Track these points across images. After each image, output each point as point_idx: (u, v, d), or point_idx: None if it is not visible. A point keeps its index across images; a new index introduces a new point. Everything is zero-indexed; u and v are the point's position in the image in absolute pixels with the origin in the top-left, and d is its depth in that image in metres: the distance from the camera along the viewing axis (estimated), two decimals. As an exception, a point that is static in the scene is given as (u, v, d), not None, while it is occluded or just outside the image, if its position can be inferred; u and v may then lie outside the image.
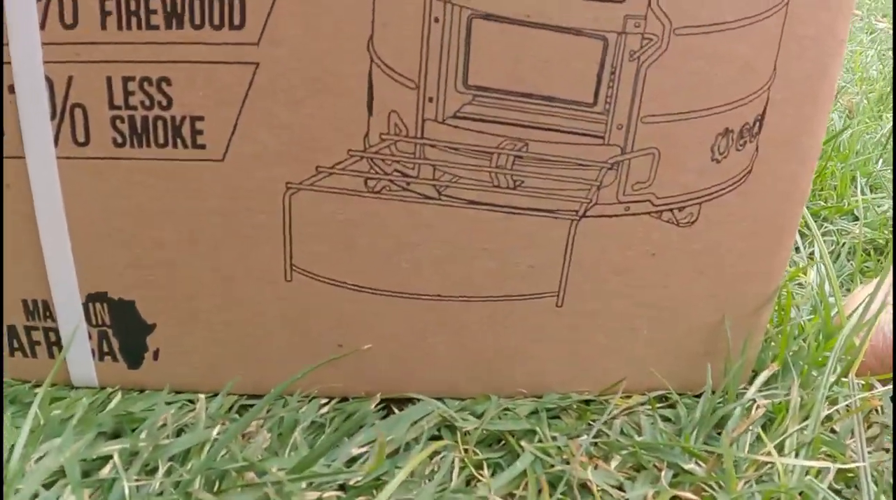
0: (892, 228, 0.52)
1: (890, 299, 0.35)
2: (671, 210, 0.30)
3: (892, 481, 0.29)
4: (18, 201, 0.29)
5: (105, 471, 0.27)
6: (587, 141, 0.28)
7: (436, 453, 0.29)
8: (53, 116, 0.28)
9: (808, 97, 0.29)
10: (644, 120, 0.28)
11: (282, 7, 0.25)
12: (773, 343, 0.36)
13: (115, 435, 0.29)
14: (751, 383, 0.33)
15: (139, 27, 0.26)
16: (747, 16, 0.28)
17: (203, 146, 0.28)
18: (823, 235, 0.51)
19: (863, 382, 0.32)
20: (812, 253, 0.49)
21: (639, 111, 0.28)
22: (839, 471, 0.29)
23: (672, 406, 0.33)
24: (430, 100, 0.27)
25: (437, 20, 0.26)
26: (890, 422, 0.32)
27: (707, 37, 0.28)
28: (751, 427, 0.30)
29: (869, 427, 0.32)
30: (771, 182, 0.30)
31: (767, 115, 0.29)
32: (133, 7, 0.26)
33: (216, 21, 0.26)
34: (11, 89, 0.27)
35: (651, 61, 0.28)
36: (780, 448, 0.29)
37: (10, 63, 0.27)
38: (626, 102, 0.28)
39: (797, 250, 0.49)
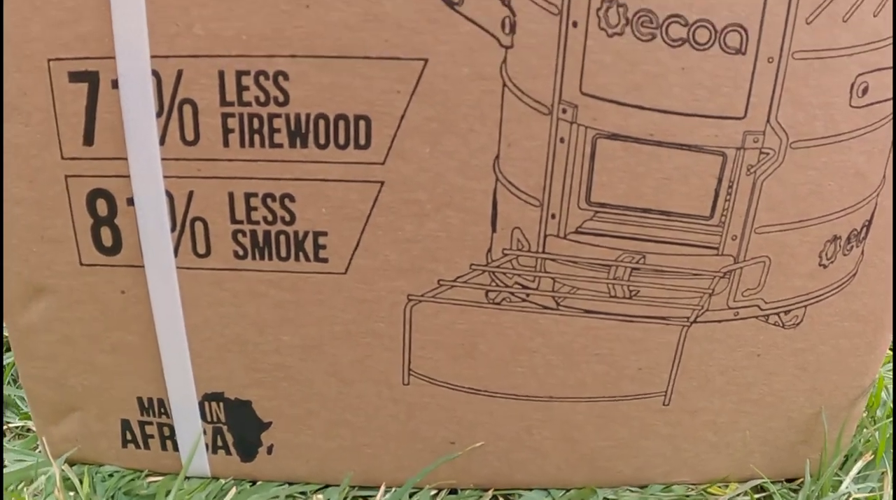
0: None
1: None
2: (778, 313, 0.31)
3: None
4: (136, 304, 0.29)
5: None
6: (702, 252, 0.29)
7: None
8: (174, 229, 0.28)
9: None
10: (757, 230, 0.29)
11: (408, 127, 0.25)
12: (864, 428, 0.36)
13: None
14: (842, 467, 0.34)
15: (262, 145, 0.26)
16: (860, 127, 0.28)
17: (325, 260, 0.28)
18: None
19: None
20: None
21: (753, 222, 0.28)
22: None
23: (770, 498, 0.33)
24: (553, 217, 0.27)
25: (562, 140, 0.27)
26: None
27: (822, 148, 0.28)
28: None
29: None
30: (874, 283, 0.30)
31: (875, 220, 0.30)
32: (256, 125, 0.27)
33: (341, 141, 0.26)
34: (131, 201, 0.28)
35: (767, 174, 0.28)
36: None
37: (129, 177, 0.28)
38: (742, 213, 0.28)
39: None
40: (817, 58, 0.27)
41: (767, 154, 0.27)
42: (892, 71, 0.27)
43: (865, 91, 0.28)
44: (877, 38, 0.27)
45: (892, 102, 0.27)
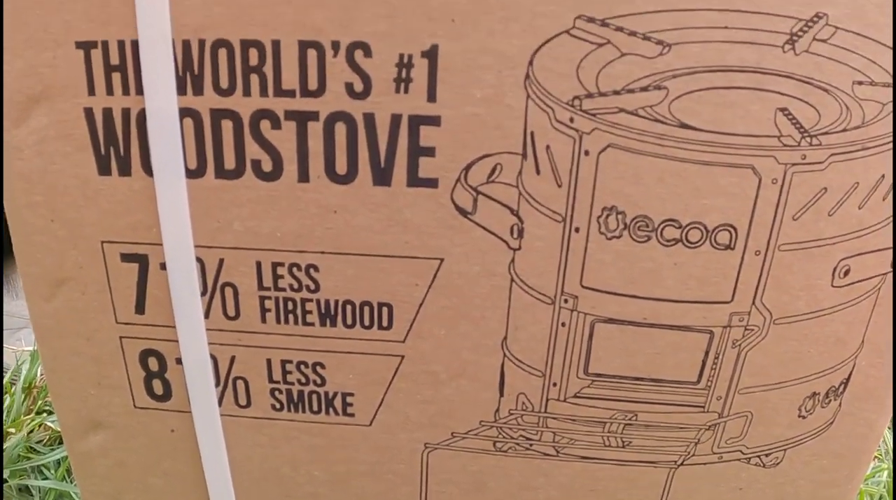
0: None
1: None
2: (759, 456, 0.33)
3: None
4: (185, 441, 0.32)
5: None
6: (689, 410, 0.31)
7: None
8: (218, 384, 0.31)
9: (891, 361, 0.30)
10: (741, 391, 0.31)
11: (426, 313, 0.28)
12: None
13: None
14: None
15: (296, 323, 0.29)
16: (842, 302, 0.30)
17: (352, 415, 0.30)
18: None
19: None
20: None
21: (737, 385, 0.31)
22: None
23: None
24: (554, 385, 0.30)
25: (563, 325, 0.29)
26: None
27: (804, 322, 0.30)
28: None
29: None
30: (851, 427, 0.33)
31: (853, 377, 0.32)
32: (290, 307, 0.29)
33: (366, 323, 0.29)
34: (179, 361, 0.31)
35: (752, 346, 0.30)
36: None
37: (177, 341, 0.31)
38: (727, 378, 0.31)
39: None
40: (802, 248, 0.29)
41: (752, 330, 0.30)
42: (874, 253, 0.29)
43: (847, 273, 0.30)
44: (860, 228, 0.29)
45: (871, 279, 0.30)
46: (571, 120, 0.25)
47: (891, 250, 0.29)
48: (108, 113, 0.26)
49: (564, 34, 0.25)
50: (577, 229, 0.27)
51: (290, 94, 0.25)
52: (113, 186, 0.27)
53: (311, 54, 0.25)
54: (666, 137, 0.26)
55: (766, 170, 0.27)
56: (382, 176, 0.26)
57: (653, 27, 0.25)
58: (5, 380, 0.46)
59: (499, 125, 0.26)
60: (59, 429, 0.40)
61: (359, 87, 0.25)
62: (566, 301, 0.28)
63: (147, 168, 0.27)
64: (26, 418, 0.43)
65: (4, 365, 0.48)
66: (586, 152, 0.26)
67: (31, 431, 0.43)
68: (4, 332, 0.51)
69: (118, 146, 0.27)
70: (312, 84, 0.25)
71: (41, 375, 0.46)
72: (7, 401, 0.45)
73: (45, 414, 0.45)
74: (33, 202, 0.28)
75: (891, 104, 0.27)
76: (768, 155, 0.26)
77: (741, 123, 0.26)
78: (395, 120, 0.26)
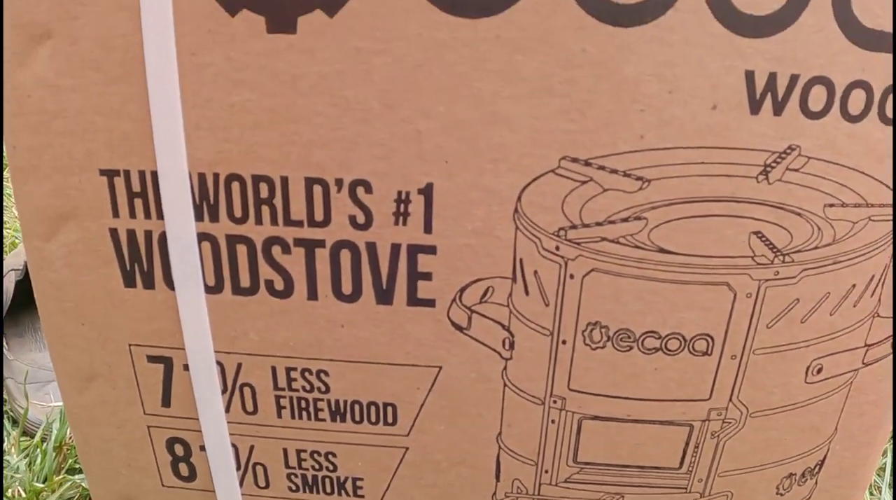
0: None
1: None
2: None
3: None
4: None
5: None
6: (672, 491, 0.33)
7: None
8: (238, 468, 0.33)
9: (865, 444, 0.32)
10: (721, 475, 0.33)
11: (427, 412, 0.30)
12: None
13: None
14: None
15: (309, 419, 0.32)
16: (815, 396, 0.32)
17: (362, 496, 0.33)
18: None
19: None
20: None
21: (717, 469, 0.33)
22: None
23: None
24: (546, 472, 0.32)
25: (553, 422, 0.31)
26: None
27: (779, 414, 0.32)
28: None
29: None
30: None
31: (827, 459, 0.34)
32: (303, 405, 0.32)
33: (373, 420, 0.31)
34: (203, 448, 0.34)
35: (730, 436, 0.32)
36: None
37: (200, 431, 0.34)
38: (707, 464, 0.33)
39: None
40: (776, 352, 0.30)
41: (730, 423, 0.32)
42: (846, 352, 0.31)
43: (820, 371, 0.31)
44: (832, 331, 0.30)
45: (844, 374, 0.32)
46: (557, 248, 0.27)
47: (863, 348, 0.31)
48: (131, 234, 0.29)
49: (550, 173, 0.26)
50: (563, 342, 0.29)
51: (299, 224, 0.28)
52: (138, 297, 0.30)
53: (317, 189, 0.27)
54: (645, 261, 0.28)
55: (740, 286, 0.28)
56: (385, 296, 0.28)
57: (633, 165, 0.27)
58: (36, 438, 0.49)
59: (490, 254, 0.28)
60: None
61: (361, 219, 0.27)
62: (555, 402, 0.30)
63: (169, 283, 0.29)
64: (58, 479, 0.46)
65: (35, 420, 0.51)
66: (571, 276, 0.28)
67: (64, 491, 0.46)
68: (32, 385, 0.54)
69: (142, 263, 0.29)
70: (319, 215, 0.27)
71: (70, 434, 0.49)
72: (38, 459, 0.48)
73: (77, 475, 0.49)
74: (64, 308, 0.31)
75: (863, 221, 0.29)
76: (743, 273, 0.28)
77: (716, 247, 0.28)
78: (395, 249, 0.28)
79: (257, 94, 0.26)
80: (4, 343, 0.55)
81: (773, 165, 0.27)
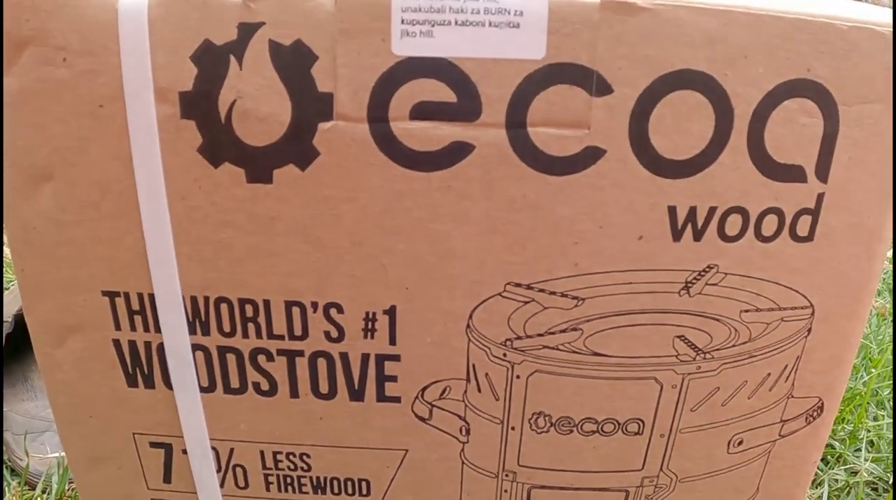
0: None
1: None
2: None
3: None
4: None
5: None
6: None
7: None
8: None
9: None
10: None
11: (397, 486, 0.34)
12: None
13: None
14: None
15: (294, 492, 0.35)
16: (736, 464, 0.36)
17: None
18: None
19: None
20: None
21: None
22: None
23: None
24: None
25: (506, 491, 0.35)
26: None
27: (705, 480, 0.36)
28: None
29: None
30: None
31: None
32: (289, 481, 0.35)
33: (350, 492, 0.35)
34: (205, 510, 0.38)
35: (662, 499, 0.37)
36: None
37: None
38: None
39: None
40: (700, 430, 0.35)
41: (661, 488, 0.36)
42: (763, 427, 0.35)
43: (741, 443, 0.36)
44: (750, 412, 0.35)
45: (763, 445, 0.36)
46: (504, 355, 0.31)
47: (779, 423, 0.36)
48: (132, 344, 0.32)
49: (497, 296, 0.30)
50: (512, 428, 0.33)
51: (280, 337, 0.31)
52: (140, 395, 0.33)
53: (295, 310, 0.31)
54: (582, 364, 0.32)
55: (666, 379, 0.32)
56: (357, 394, 0.32)
57: (569, 287, 0.30)
58: (37, 490, 0.51)
59: (446, 360, 0.31)
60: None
61: (334, 334, 0.31)
62: (507, 476, 0.34)
63: (168, 384, 0.33)
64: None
65: (34, 472, 0.53)
66: (517, 376, 0.32)
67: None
68: (27, 435, 0.55)
69: (142, 367, 0.33)
70: (297, 331, 0.31)
71: (70, 485, 0.51)
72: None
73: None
74: (73, 403, 0.34)
75: (777, 322, 0.33)
76: (668, 369, 0.32)
77: (645, 349, 0.32)
78: (365, 357, 0.31)
79: (240, 232, 0.29)
80: None
81: (694, 281, 0.31)
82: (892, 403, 0.61)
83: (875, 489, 0.55)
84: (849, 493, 0.54)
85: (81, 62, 0.27)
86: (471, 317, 0.30)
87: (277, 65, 0.27)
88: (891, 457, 0.56)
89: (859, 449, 0.57)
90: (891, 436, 0.59)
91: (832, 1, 0.30)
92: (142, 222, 0.30)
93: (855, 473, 0.55)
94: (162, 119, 0.28)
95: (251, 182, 0.29)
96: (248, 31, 0.27)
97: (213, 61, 0.27)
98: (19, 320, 0.56)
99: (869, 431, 0.59)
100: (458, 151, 0.28)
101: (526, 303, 0.30)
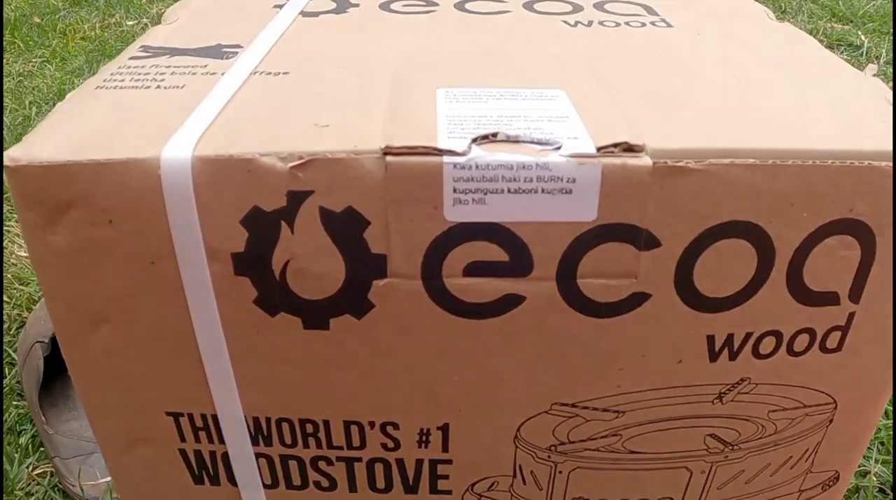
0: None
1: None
2: None
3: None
4: None
5: None
6: None
7: None
8: None
9: None
10: None
11: None
12: None
13: None
14: None
15: None
16: None
17: None
18: None
19: None
20: None
21: None
22: None
23: None
24: None
25: None
26: None
27: None
28: None
29: None
30: None
31: None
32: None
33: None
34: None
35: None
36: None
37: None
38: None
39: None
40: None
41: None
42: (782, 497, 0.37)
43: None
44: (772, 486, 0.36)
45: None
46: (549, 457, 0.33)
47: (797, 493, 0.38)
48: (198, 453, 0.34)
49: (543, 413, 0.32)
50: (555, 510, 0.36)
51: (340, 447, 0.33)
52: (206, 491, 0.35)
53: (354, 428, 0.32)
54: (619, 461, 0.33)
55: (696, 467, 0.34)
56: (411, 489, 0.34)
57: (610, 404, 0.31)
58: None
59: (495, 462, 0.33)
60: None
61: (391, 445, 0.33)
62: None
63: (232, 481, 0.35)
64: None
65: (90, 498, 0.54)
66: (560, 472, 0.34)
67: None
68: (75, 458, 0.55)
69: (208, 470, 0.34)
70: (356, 443, 0.33)
71: None
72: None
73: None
74: (141, 494, 0.36)
75: (801, 416, 0.34)
76: (698, 459, 0.34)
77: (678, 445, 0.33)
78: (419, 462, 0.33)
79: (297, 367, 0.30)
80: (42, 418, 0.57)
81: (727, 392, 0.32)
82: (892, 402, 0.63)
83: (882, 492, 0.58)
84: (857, 494, 0.57)
85: (128, 224, 0.27)
86: (518, 429, 0.32)
87: (329, 230, 0.27)
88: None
89: (871, 449, 0.59)
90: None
91: (875, 107, 0.29)
92: (201, 358, 0.31)
93: (865, 475, 0.58)
94: (216, 275, 0.28)
95: (308, 329, 0.29)
96: (297, 198, 0.27)
97: (263, 226, 0.27)
98: (55, 340, 0.57)
99: (879, 430, 0.61)
100: (510, 302, 0.28)
101: (570, 417, 0.32)
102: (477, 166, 0.26)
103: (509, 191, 0.26)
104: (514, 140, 0.27)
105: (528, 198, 0.26)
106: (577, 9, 0.42)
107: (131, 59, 0.35)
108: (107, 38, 1.52)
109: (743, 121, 0.28)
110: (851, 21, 1.47)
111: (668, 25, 0.39)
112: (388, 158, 0.26)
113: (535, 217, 0.27)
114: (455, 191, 0.26)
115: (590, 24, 0.40)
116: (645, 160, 0.26)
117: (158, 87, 0.32)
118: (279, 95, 0.31)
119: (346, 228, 0.27)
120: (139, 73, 0.33)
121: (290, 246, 0.27)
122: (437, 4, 0.43)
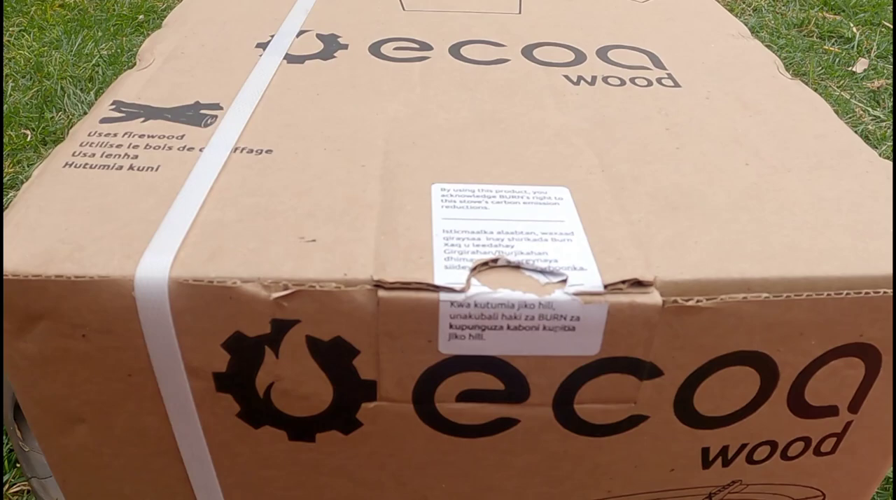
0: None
1: None
2: None
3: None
4: None
5: None
6: None
7: None
8: None
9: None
10: None
11: None
12: None
13: None
14: None
15: None
16: None
17: None
18: None
19: None
20: None
21: None
22: None
23: None
24: None
25: None
26: None
27: None
28: None
29: None
30: None
31: None
32: None
33: None
34: None
35: None
36: None
37: None
38: None
39: None
40: None
41: None
42: None
43: None
44: None
45: None
46: None
47: None
48: None
49: None
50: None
51: None
52: None
53: None
54: None
55: None
56: None
57: None
58: None
59: None
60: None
61: None
62: None
63: None
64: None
65: None
66: None
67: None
68: (51, 477, 0.53)
69: None
70: None
71: None
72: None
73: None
74: None
75: None
76: None
77: None
78: None
79: (284, 473, 0.29)
80: (17, 434, 0.55)
81: (717, 492, 0.32)
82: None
83: (886, 489, 0.59)
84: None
85: (103, 339, 0.25)
86: (507, 530, 0.32)
87: (317, 357, 0.25)
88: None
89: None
90: None
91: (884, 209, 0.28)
92: (183, 461, 0.29)
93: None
94: (196, 390, 0.27)
95: (293, 440, 0.28)
96: (282, 326, 0.25)
97: (246, 349, 0.25)
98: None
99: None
100: (503, 424, 0.27)
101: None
102: (476, 305, 0.24)
103: (509, 328, 0.24)
104: (516, 266, 0.25)
105: (528, 334, 0.25)
106: (580, 57, 0.40)
107: (102, 121, 0.32)
108: (86, 7, 1.42)
109: (757, 239, 0.27)
110: (843, 10, 1.42)
111: (676, 84, 0.37)
112: (381, 292, 0.24)
113: (535, 351, 0.25)
114: (451, 327, 0.24)
115: (593, 80, 0.37)
116: (654, 298, 0.24)
117: (131, 167, 0.29)
118: (262, 187, 0.28)
119: (334, 355, 0.25)
120: (110, 145, 0.31)
121: (275, 369, 0.26)
122: (430, 48, 0.40)
